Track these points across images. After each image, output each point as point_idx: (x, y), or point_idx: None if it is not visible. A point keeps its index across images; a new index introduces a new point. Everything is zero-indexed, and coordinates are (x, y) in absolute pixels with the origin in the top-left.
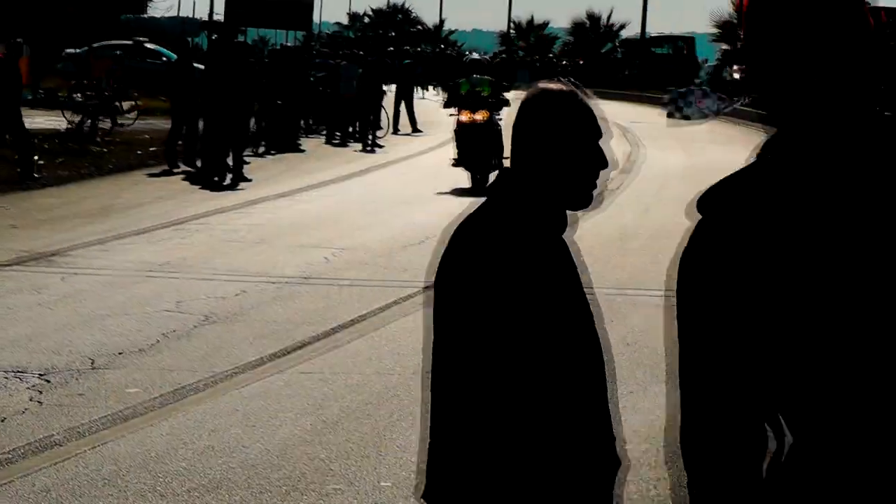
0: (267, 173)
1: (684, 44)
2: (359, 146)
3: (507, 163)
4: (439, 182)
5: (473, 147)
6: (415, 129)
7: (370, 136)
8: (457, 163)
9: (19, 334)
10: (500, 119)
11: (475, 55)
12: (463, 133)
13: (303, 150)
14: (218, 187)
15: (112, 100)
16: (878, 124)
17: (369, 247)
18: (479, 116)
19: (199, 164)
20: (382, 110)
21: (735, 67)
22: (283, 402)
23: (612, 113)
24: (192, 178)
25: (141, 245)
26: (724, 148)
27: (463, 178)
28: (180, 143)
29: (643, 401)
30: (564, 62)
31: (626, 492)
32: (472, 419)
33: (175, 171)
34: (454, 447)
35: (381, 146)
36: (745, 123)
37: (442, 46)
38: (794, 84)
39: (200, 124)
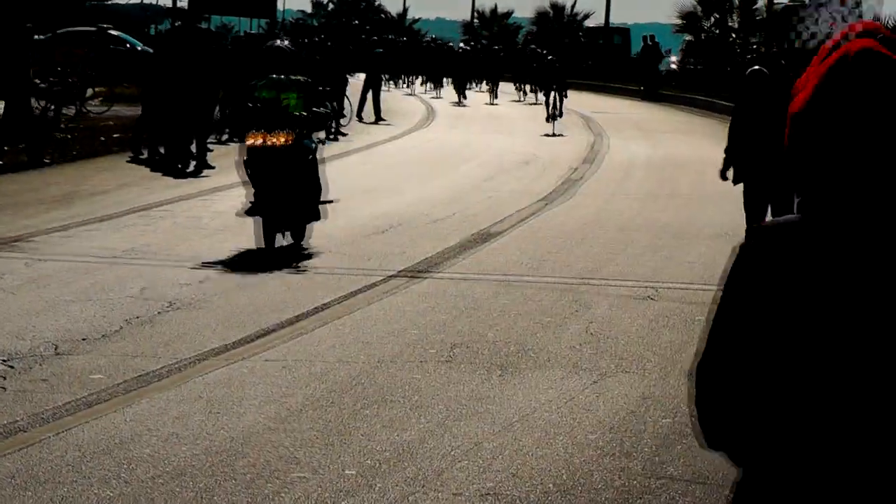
0: (230, 161)
1: (620, 36)
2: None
3: (326, 207)
4: (403, 171)
5: (269, 186)
6: (378, 119)
7: (332, 125)
8: (251, 210)
9: None
10: (317, 143)
11: (282, 42)
12: (255, 164)
13: None
14: (181, 174)
15: (78, 86)
16: None
17: (333, 235)
18: (278, 140)
19: (161, 151)
20: (346, 99)
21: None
22: (247, 390)
23: (576, 103)
24: (155, 166)
25: (105, 231)
26: (686, 138)
27: (427, 167)
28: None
29: (607, 390)
30: (542, 49)
31: (590, 481)
32: None
33: (140, 157)
34: None
35: (344, 134)
36: (707, 114)
37: (404, 38)
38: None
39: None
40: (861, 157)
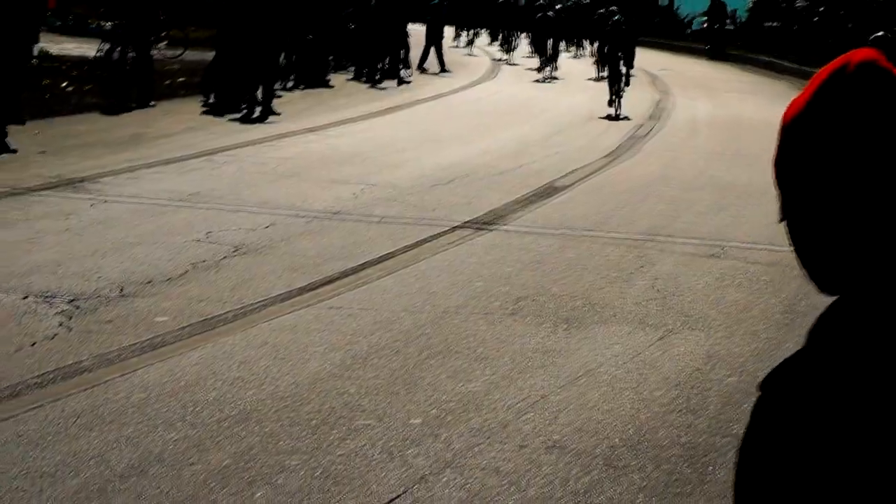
0: (296, 108)
1: None
2: (385, 83)
3: None
4: (469, 122)
5: None
6: (443, 69)
7: (401, 71)
8: None
9: (48, 259)
10: None
11: None
12: None
13: (331, 86)
14: (247, 120)
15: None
16: None
17: (398, 185)
18: None
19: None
20: (406, 49)
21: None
22: (313, 336)
23: (643, 61)
24: (221, 110)
25: (171, 175)
26: (751, 98)
27: (492, 119)
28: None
29: (672, 347)
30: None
31: (655, 438)
32: None
33: (209, 102)
34: None
35: (407, 82)
36: (771, 74)
37: None
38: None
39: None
40: (852, 169)
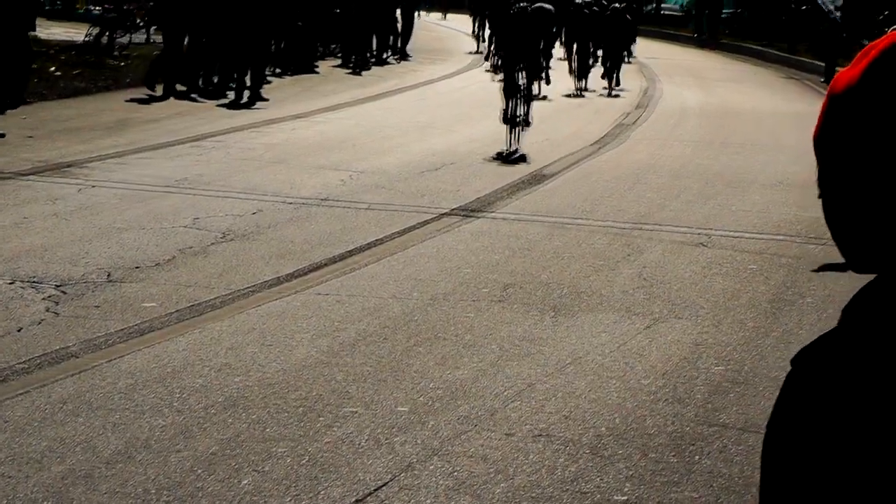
0: (283, 94)
1: None
2: (372, 70)
3: None
4: (456, 110)
5: None
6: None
7: (389, 58)
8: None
9: (35, 244)
10: None
11: None
12: None
13: (319, 73)
14: (235, 105)
15: (134, 15)
16: None
17: (386, 171)
18: None
19: (179, 87)
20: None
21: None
22: (300, 323)
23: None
24: (208, 95)
25: (158, 160)
26: (738, 86)
27: (479, 107)
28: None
29: (660, 335)
30: None
31: (642, 426)
32: None
33: (153, 94)
34: None
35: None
36: (759, 63)
37: None
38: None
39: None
40: None
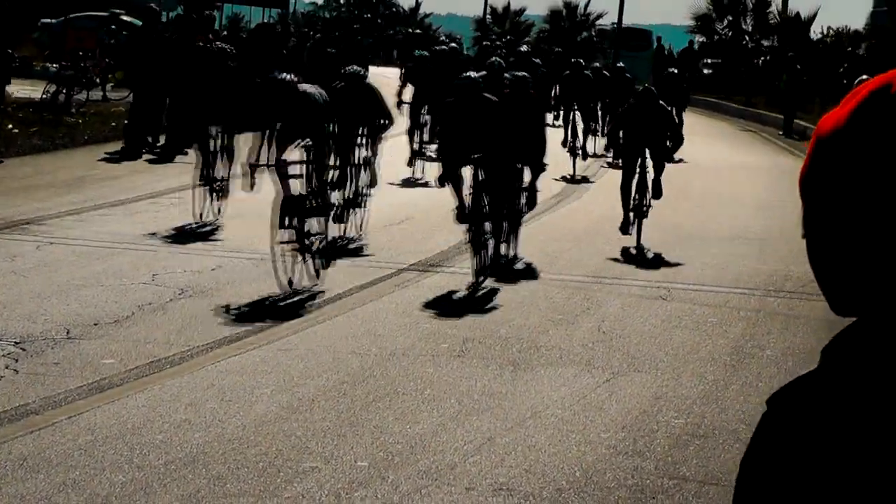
0: (247, 146)
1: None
2: None
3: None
4: (421, 163)
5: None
6: None
7: None
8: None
9: None
10: None
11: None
12: None
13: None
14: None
15: (91, 72)
16: None
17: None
18: None
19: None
20: None
21: (708, 61)
22: (260, 378)
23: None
24: (166, 154)
25: (116, 217)
26: (702, 139)
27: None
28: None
29: (619, 389)
30: (556, 48)
31: (602, 480)
32: None
33: (142, 151)
34: None
35: None
36: (723, 117)
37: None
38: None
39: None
40: (887, 190)
